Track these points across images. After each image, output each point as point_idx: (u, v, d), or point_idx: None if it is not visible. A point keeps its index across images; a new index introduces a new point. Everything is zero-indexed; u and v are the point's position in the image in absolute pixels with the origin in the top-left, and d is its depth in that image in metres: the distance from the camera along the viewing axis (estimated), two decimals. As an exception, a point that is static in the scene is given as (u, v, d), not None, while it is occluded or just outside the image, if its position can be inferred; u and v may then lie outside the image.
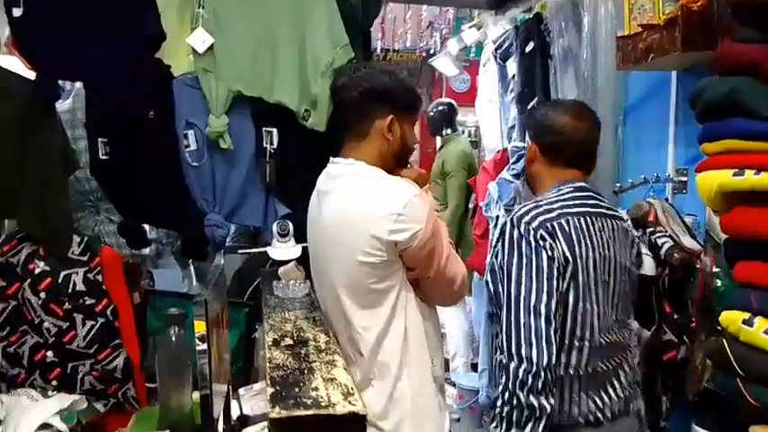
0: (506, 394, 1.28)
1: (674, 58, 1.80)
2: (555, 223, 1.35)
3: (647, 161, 2.25)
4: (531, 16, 2.83)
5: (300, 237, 2.27)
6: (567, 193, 1.43)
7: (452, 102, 4.03)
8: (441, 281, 1.46)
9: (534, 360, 1.25)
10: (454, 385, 3.82)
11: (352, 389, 1.15)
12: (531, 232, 1.33)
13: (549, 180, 1.48)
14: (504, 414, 1.28)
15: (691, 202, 2.11)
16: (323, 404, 1.08)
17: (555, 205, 1.39)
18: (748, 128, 1.38)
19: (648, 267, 1.88)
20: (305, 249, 2.16)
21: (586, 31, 2.40)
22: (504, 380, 1.29)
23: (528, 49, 2.82)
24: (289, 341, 1.42)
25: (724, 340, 1.48)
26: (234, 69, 2.17)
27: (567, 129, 1.46)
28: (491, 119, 3.37)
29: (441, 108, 3.93)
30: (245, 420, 1.48)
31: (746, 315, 1.43)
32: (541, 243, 1.32)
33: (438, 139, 4.14)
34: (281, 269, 1.99)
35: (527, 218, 1.36)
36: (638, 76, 2.32)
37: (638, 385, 1.49)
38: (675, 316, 1.86)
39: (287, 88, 2.18)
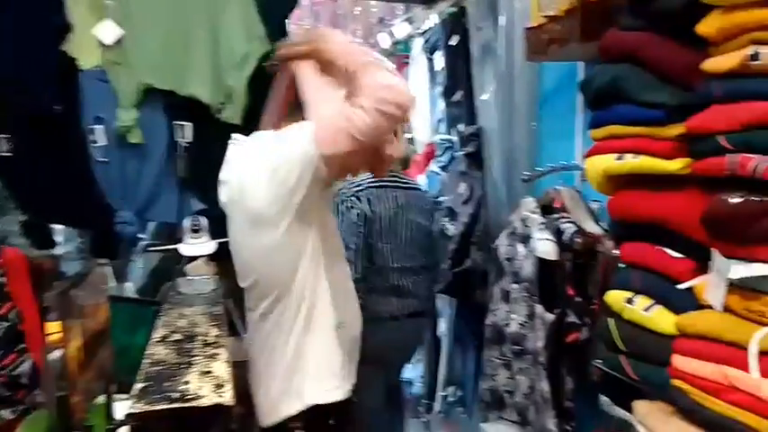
0: None
1: (576, 48, 1.84)
2: (361, 193, 2.32)
3: (560, 150, 2.30)
4: (456, 10, 2.87)
5: (217, 232, 2.24)
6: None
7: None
8: None
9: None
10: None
11: (225, 381, 1.15)
12: (347, 200, 2.27)
13: None
14: None
15: (597, 188, 2.17)
16: (188, 397, 1.07)
17: (363, 183, 2.35)
18: (628, 113, 1.42)
19: (552, 252, 1.93)
20: (220, 246, 2.13)
21: (503, 23, 2.44)
22: None
23: (452, 42, 2.87)
24: (178, 336, 1.41)
25: (610, 319, 1.53)
26: (144, 62, 2.13)
27: None
28: (421, 111, 3.40)
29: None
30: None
31: (629, 294, 1.48)
32: (350, 205, 2.26)
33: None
34: (189, 265, 1.98)
35: (345, 191, 2.26)
36: (551, 67, 2.37)
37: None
38: (578, 299, 1.92)
39: (200, 81, 2.16)
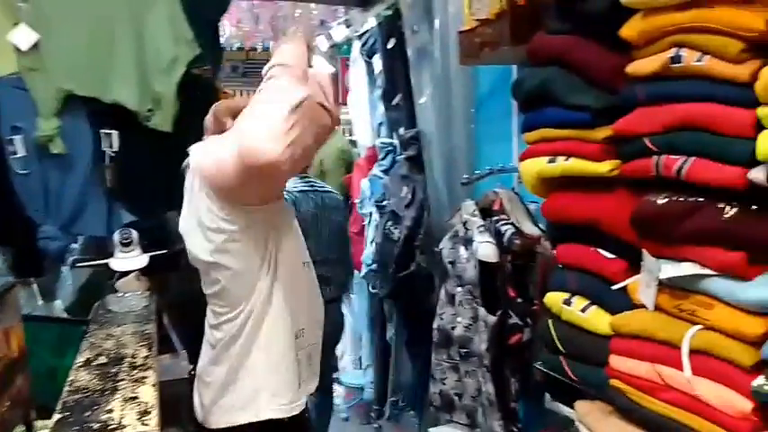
0: None
1: (508, 51, 1.85)
2: (286, 196, 2.26)
3: (497, 152, 2.32)
4: (392, 13, 2.85)
5: (149, 245, 2.15)
6: (297, 181, 2.75)
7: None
8: None
9: None
10: (341, 384, 3.80)
11: (151, 407, 1.08)
12: None
13: None
14: None
15: (534, 190, 2.19)
16: (110, 427, 1.00)
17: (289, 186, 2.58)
18: (557, 116, 1.43)
19: (492, 254, 1.93)
20: (153, 259, 2.05)
21: (437, 27, 2.44)
22: None
23: (390, 45, 2.85)
24: (103, 360, 1.33)
25: (549, 320, 1.54)
26: (64, 67, 2.02)
27: None
28: (362, 116, 3.38)
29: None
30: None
31: (566, 295, 1.49)
32: None
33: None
34: (119, 281, 1.88)
35: None
36: (486, 70, 2.39)
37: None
38: (519, 300, 1.93)
39: (125, 87, 2.07)
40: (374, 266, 3.04)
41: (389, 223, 2.89)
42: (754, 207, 1.04)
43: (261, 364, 1.39)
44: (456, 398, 2.18)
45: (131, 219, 2.15)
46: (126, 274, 2.01)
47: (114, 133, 2.07)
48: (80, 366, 1.30)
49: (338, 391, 3.92)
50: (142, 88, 2.06)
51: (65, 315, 2.29)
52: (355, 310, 3.79)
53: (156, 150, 2.11)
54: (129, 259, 1.98)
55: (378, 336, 3.36)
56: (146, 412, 1.06)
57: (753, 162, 1.00)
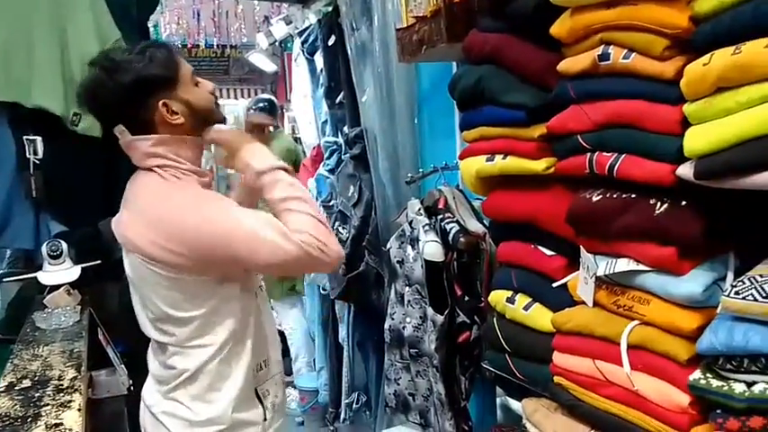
0: None
1: (445, 49, 1.83)
2: None
3: (441, 150, 2.31)
4: (331, 9, 2.80)
5: (82, 256, 2.05)
6: None
7: (272, 98, 3.92)
8: None
9: None
10: (296, 388, 3.75)
11: (74, 434, 1.01)
12: None
13: None
14: None
15: (479, 187, 2.18)
16: (30, 458, 0.93)
17: None
18: (495, 114, 1.42)
19: (438, 253, 1.92)
20: (86, 270, 1.95)
21: (377, 24, 2.41)
22: None
23: (330, 42, 2.80)
24: (27, 383, 1.25)
25: (494, 318, 1.53)
26: (-20, 73, 1.89)
27: None
28: (306, 114, 3.32)
29: (261, 104, 3.80)
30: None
31: (509, 293, 1.49)
32: None
33: (261, 137, 4.00)
34: (48, 297, 1.78)
35: None
36: (428, 67, 2.37)
37: None
38: (466, 298, 1.92)
39: (48, 91, 1.95)
40: (323, 267, 2.99)
41: (337, 223, 2.84)
42: (683, 203, 1.05)
43: (224, 398, 1.32)
44: (410, 398, 2.17)
45: (62, 229, 2.04)
46: (57, 287, 1.90)
47: (38, 139, 1.95)
48: (1, 392, 1.21)
49: (293, 394, 3.86)
50: (67, 92, 1.95)
51: (-6, 334, 2.16)
52: (307, 312, 3.74)
53: (85, 156, 2.01)
54: (59, 272, 1.88)
55: (330, 337, 3.32)
56: (69, 440, 1.00)
57: (681, 158, 1.01)
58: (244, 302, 1.33)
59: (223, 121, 1.42)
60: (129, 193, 1.32)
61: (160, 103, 1.28)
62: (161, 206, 1.26)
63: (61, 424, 1.06)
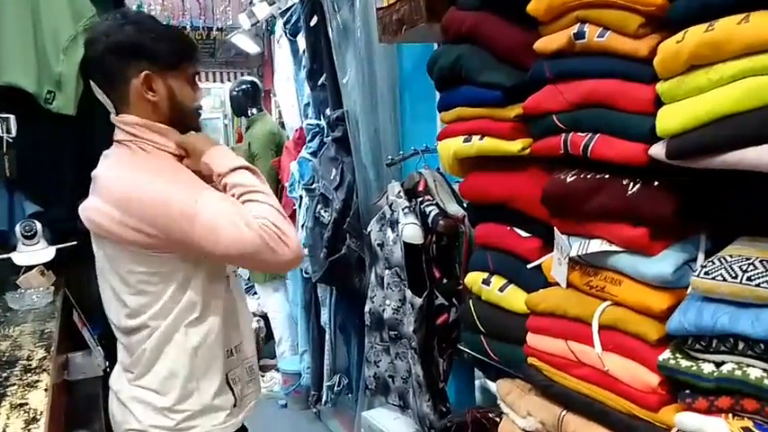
0: None
1: (425, 29, 1.81)
2: None
3: (422, 132, 2.29)
4: (314, -12, 2.76)
5: (57, 237, 2.02)
6: None
7: (255, 80, 3.87)
8: None
9: None
10: (279, 371, 3.75)
11: (40, 414, 1.00)
12: None
13: None
14: None
15: (459, 170, 2.17)
16: (-9, 437, 0.92)
17: None
18: (471, 95, 1.41)
19: (416, 236, 1.91)
20: (62, 251, 1.93)
21: (359, 5, 2.37)
22: None
23: (312, 23, 2.76)
24: (-7, 363, 1.23)
25: (470, 300, 1.53)
26: (-52, 48, 1.85)
27: None
28: (289, 97, 3.29)
29: (244, 87, 3.76)
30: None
31: (485, 275, 1.49)
32: None
33: (244, 120, 3.96)
34: (21, 277, 1.75)
35: None
36: (410, 49, 2.35)
37: None
38: (445, 280, 1.92)
39: (20, 68, 1.91)
40: (306, 251, 2.98)
41: (319, 206, 2.83)
42: (656, 183, 1.05)
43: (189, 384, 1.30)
44: (390, 380, 2.17)
45: (36, 209, 2.00)
46: (31, 268, 1.88)
47: (11, 117, 1.91)
48: (-32, 372, 1.19)
49: (276, 377, 3.87)
50: (40, 69, 1.91)
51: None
52: (290, 296, 3.73)
53: (59, 135, 1.98)
54: (33, 253, 1.85)
55: (312, 321, 3.32)
56: (33, 419, 0.99)
57: (654, 138, 1.00)
58: (212, 284, 1.32)
59: (198, 130, 1.39)
60: (97, 172, 1.30)
61: (143, 72, 1.26)
62: (123, 181, 1.24)
63: (26, 404, 1.05)
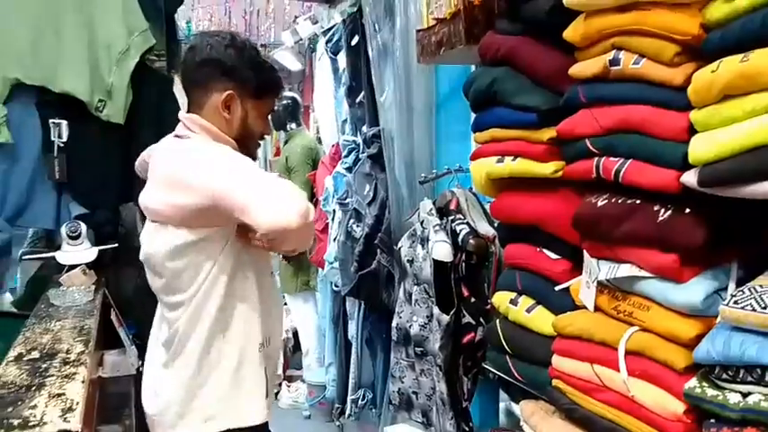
0: None
1: (463, 51, 1.84)
2: None
3: (456, 152, 2.31)
4: (356, 9, 2.83)
5: (101, 238, 2.11)
6: None
7: (296, 96, 3.97)
8: None
9: None
10: (304, 382, 3.78)
11: (76, 404, 1.05)
12: None
13: None
14: None
15: (492, 190, 2.18)
16: (31, 423, 0.97)
17: None
18: (506, 116, 1.43)
19: (446, 254, 1.93)
20: (104, 253, 2.00)
21: (399, 26, 2.43)
22: None
23: (353, 42, 2.83)
24: (35, 354, 1.29)
25: (497, 319, 1.54)
26: (9, 55, 1.97)
27: None
28: (328, 113, 3.36)
29: (284, 102, 3.84)
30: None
31: (513, 295, 1.49)
32: None
33: (282, 134, 4.05)
34: (65, 275, 1.83)
35: None
36: (447, 69, 2.38)
37: None
38: (473, 299, 1.93)
39: (75, 76, 2.01)
40: (336, 264, 3.02)
41: (352, 221, 2.87)
42: (687, 210, 1.05)
43: (227, 370, 1.35)
44: (414, 396, 2.18)
45: (82, 211, 2.09)
46: (74, 267, 1.96)
47: (63, 123, 2.01)
48: (10, 361, 1.26)
49: (301, 388, 3.90)
50: (93, 78, 2.01)
51: (12, 309, 2.23)
52: (319, 308, 3.77)
53: (106, 142, 2.07)
54: (77, 252, 1.93)
55: (340, 334, 3.34)
56: (70, 409, 1.03)
57: (686, 165, 1.01)
58: (256, 272, 1.38)
59: (254, 157, 1.48)
60: (153, 161, 1.38)
61: (228, 91, 1.34)
62: (178, 160, 1.32)
63: (63, 394, 1.10)
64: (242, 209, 1.21)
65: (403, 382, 2.21)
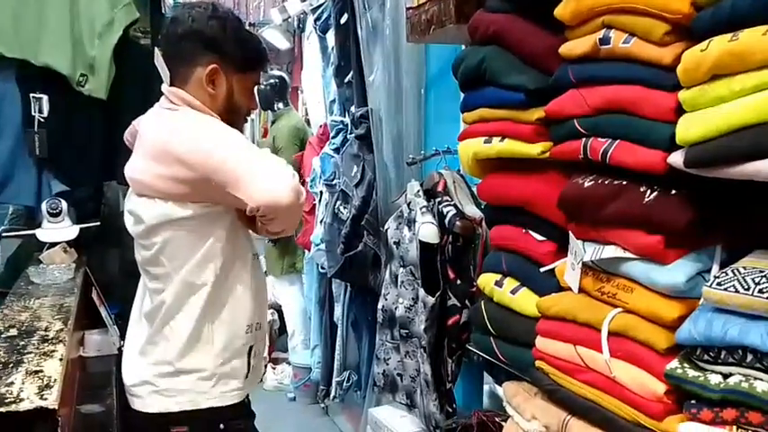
0: None
1: (453, 30, 1.82)
2: None
3: (445, 133, 2.30)
4: (345, -14, 2.78)
5: (82, 215, 2.07)
6: None
7: (284, 75, 3.92)
8: None
9: None
10: (290, 364, 3.78)
11: (53, 382, 1.03)
12: None
13: None
14: None
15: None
16: (7, 400, 0.95)
17: None
18: (495, 96, 1.41)
19: (433, 235, 1.92)
20: (83, 231, 1.97)
21: (389, 5, 2.39)
22: None
23: (343, 20, 2.79)
24: (13, 332, 1.27)
25: (482, 301, 1.54)
26: (-10, 28, 1.91)
27: None
28: (316, 93, 3.32)
29: (272, 81, 3.80)
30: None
31: (498, 276, 1.49)
32: None
33: (270, 114, 4.01)
34: (45, 253, 1.80)
35: None
36: (437, 50, 2.36)
37: None
38: (459, 282, 1.93)
39: (57, 50, 1.97)
40: (323, 246, 3.01)
41: (339, 203, 2.85)
42: (673, 192, 1.05)
43: (214, 350, 1.34)
44: (398, 378, 2.18)
45: (63, 188, 2.06)
46: (55, 245, 1.93)
47: (44, 98, 1.97)
48: (-12, 338, 1.24)
49: (287, 371, 3.90)
50: (75, 52, 1.96)
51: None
52: (305, 290, 3.76)
53: (89, 118, 2.03)
54: (57, 230, 1.91)
55: (325, 316, 3.34)
56: (47, 386, 1.02)
57: (674, 146, 1.00)
58: (240, 251, 1.36)
59: (241, 130, 1.44)
60: (140, 132, 1.35)
61: (212, 65, 1.31)
62: (167, 132, 1.28)
63: (41, 371, 1.08)
64: (235, 183, 1.19)
65: (388, 364, 2.21)
